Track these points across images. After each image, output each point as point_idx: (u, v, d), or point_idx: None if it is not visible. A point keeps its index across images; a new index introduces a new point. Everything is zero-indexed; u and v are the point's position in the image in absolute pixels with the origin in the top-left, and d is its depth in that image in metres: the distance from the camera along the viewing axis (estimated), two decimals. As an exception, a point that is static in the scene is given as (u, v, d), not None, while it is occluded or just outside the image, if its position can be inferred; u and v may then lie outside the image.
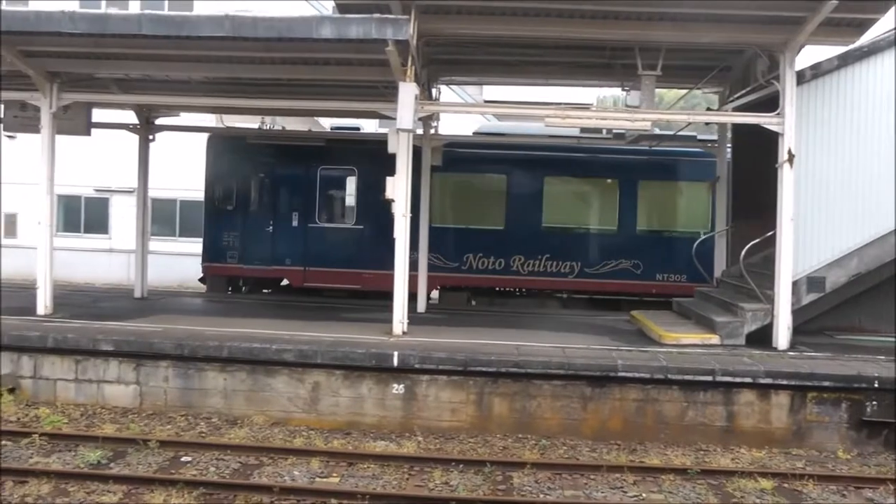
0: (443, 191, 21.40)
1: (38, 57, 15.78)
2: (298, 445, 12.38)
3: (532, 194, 21.80)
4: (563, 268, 21.61)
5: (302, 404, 13.69)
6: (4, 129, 19.68)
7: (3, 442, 12.18)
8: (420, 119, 16.10)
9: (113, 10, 20.53)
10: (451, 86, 23.47)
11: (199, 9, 29.98)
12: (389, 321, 15.25)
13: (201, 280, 23.22)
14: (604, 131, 20.61)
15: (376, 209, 20.46)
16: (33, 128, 16.98)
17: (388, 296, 15.61)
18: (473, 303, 21.94)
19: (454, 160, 20.55)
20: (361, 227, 22.04)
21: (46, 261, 16.38)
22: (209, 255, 22.58)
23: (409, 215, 15.13)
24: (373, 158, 18.53)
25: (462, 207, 22.05)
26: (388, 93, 15.40)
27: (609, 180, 22.07)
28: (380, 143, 15.38)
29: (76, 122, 17.35)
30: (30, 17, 14.53)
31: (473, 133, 22.32)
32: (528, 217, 21.72)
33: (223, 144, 22.41)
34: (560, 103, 17.30)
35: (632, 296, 21.36)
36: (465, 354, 13.49)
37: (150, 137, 19.90)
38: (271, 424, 13.46)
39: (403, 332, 15.07)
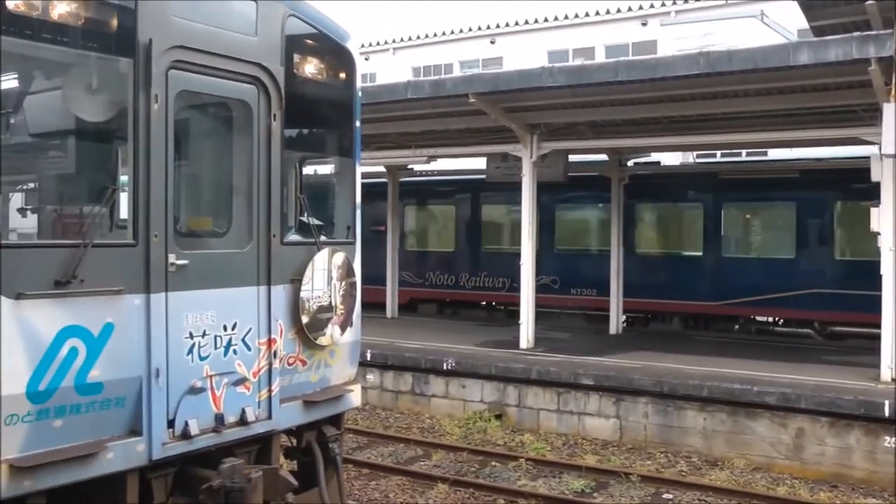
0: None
1: (518, 111, 16.91)
2: (782, 494, 11.81)
3: None
4: None
5: (784, 450, 13.06)
6: (487, 179, 21.33)
7: (493, 463, 13.15)
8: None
9: (580, 61, 21.53)
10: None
11: (663, 50, 30.46)
12: (874, 365, 14.10)
13: None
14: None
15: None
16: (514, 176, 18.22)
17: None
18: None
19: None
20: None
21: (529, 299, 17.41)
22: None
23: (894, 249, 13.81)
24: None
25: None
26: (867, 116, 14.37)
27: None
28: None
29: (554, 168, 18.35)
30: (513, 76, 15.76)
31: None
32: None
33: None
34: None
35: None
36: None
37: (623, 179, 20.40)
38: (752, 469, 13.00)
39: (893, 379, 13.76)
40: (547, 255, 22.53)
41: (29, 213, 8.10)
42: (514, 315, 21.32)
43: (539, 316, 18.51)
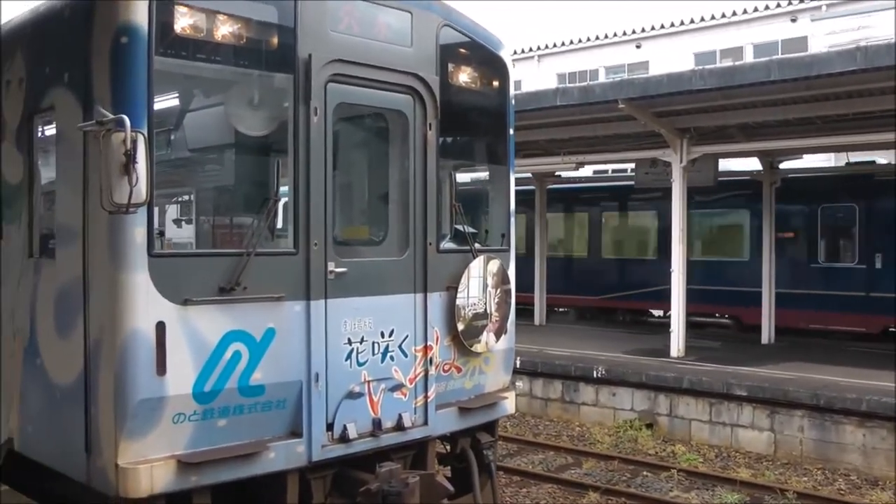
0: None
1: (668, 116, 16.62)
2: (952, 516, 11.18)
3: None
4: None
5: (951, 471, 12.32)
6: (636, 185, 21.01)
7: (644, 473, 12.92)
8: None
9: (728, 62, 20.96)
10: None
11: (814, 46, 29.32)
12: None
13: None
14: None
15: None
16: (663, 182, 17.91)
17: None
18: None
19: None
20: None
21: (680, 307, 17.05)
22: None
23: None
24: None
25: None
26: None
27: None
28: None
29: (704, 173, 17.93)
30: (663, 80, 15.52)
31: None
32: None
33: None
34: None
35: None
36: None
37: (774, 182, 19.75)
38: (917, 490, 12.33)
39: None
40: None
41: (184, 223, 8.49)
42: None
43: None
